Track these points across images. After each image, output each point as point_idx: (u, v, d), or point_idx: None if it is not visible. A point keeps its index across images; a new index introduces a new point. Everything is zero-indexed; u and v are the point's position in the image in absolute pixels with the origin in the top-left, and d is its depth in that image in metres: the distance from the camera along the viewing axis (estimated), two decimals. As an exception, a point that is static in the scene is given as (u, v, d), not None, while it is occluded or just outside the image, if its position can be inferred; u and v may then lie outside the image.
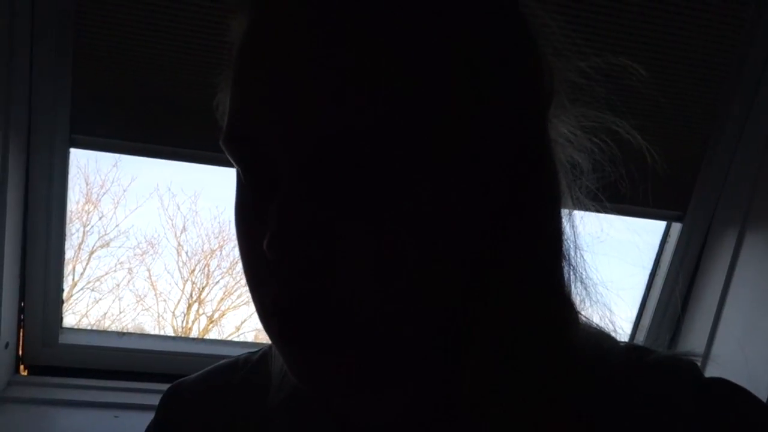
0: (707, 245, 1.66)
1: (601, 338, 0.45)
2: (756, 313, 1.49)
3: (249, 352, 0.57)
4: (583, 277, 0.43)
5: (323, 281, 0.36)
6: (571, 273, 0.43)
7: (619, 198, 0.50)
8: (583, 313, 0.44)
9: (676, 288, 1.70)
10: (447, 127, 0.36)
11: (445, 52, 0.36)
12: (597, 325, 0.45)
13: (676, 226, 1.67)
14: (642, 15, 1.37)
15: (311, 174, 0.35)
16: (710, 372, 0.45)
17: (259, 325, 0.42)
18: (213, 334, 4.75)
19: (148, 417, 0.56)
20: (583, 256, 0.44)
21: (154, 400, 0.56)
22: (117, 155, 4.33)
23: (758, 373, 1.36)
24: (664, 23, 1.38)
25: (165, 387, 0.57)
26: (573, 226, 0.43)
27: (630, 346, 0.46)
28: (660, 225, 1.71)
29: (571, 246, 0.43)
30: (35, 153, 1.36)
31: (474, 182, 0.38)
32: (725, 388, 0.43)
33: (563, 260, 0.42)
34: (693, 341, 1.64)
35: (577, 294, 0.43)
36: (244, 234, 0.40)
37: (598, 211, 0.47)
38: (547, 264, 0.41)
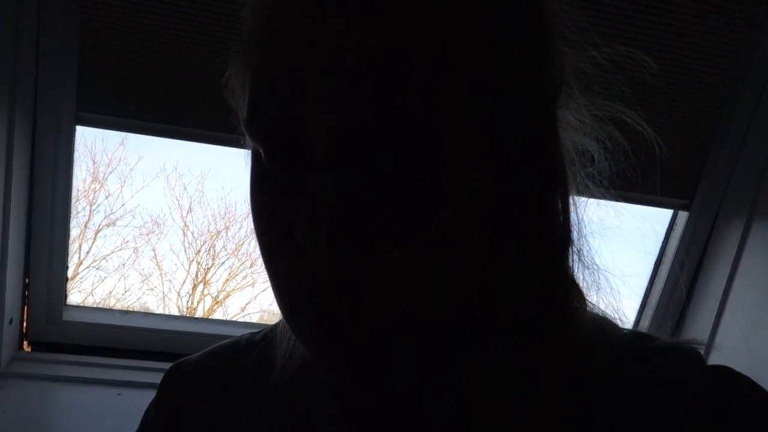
0: (713, 235, 1.65)
1: (605, 325, 0.45)
2: (761, 304, 1.49)
3: (251, 333, 0.57)
4: (589, 263, 0.43)
5: (361, 272, 0.36)
6: (577, 260, 0.43)
7: (626, 186, 0.49)
8: (588, 299, 0.44)
9: (681, 277, 1.69)
10: (470, 117, 0.36)
11: (470, 39, 0.36)
12: (602, 311, 0.45)
13: (683, 215, 1.67)
14: (651, 4, 1.35)
15: (346, 162, 0.35)
16: (713, 361, 0.44)
17: (264, 306, 0.41)
18: (218, 315, 4.77)
19: (151, 395, 0.56)
20: (588, 243, 0.44)
21: (157, 378, 0.56)
22: (124, 134, 4.37)
23: (762, 364, 1.36)
24: (674, 11, 1.37)
25: (168, 366, 0.57)
26: (578, 214, 0.43)
27: (633, 333, 0.46)
28: (666, 213, 1.71)
29: (576, 233, 0.43)
30: (41, 130, 1.36)
31: (489, 171, 0.38)
32: (727, 375, 0.43)
33: (570, 248, 0.42)
34: (697, 330, 1.64)
35: (584, 281, 0.43)
36: (266, 219, 0.40)
37: (605, 198, 0.47)
38: (555, 253, 0.42)
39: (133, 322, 1.58)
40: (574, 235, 0.43)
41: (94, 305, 4.15)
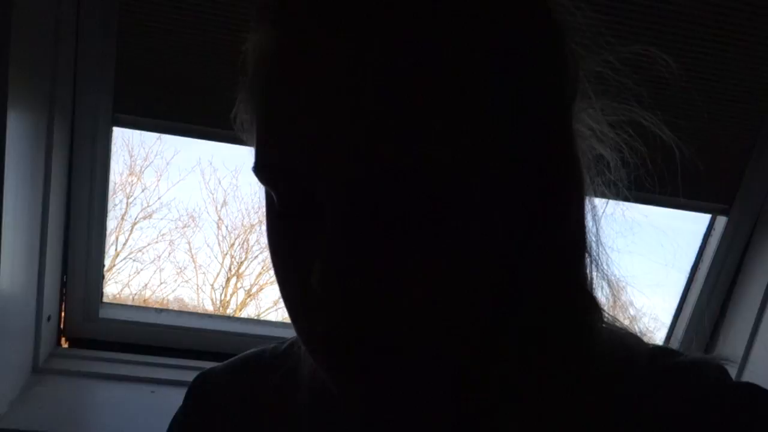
0: (752, 241, 1.61)
1: (627, 339, 0.44)
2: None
3: (276, 344, 0.57)
4: (609, 274, 0.43)
5: (376, 316, 0.36)
6: (596, 271, 0.42)
7: (660, 190, 0.48)
8: (609, 312, 0.44)
9: (717, 284, 1.65)
10: (486, 143, 0.36)
11: (481, 71, 0.35)
12: (623, 324, 0.44)
13: (722, 220, 1.63)
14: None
15: (358, 210, 0.35)
16: (747, 378, 0.43)
17: None
18: (251, 308, 4.80)
19: (183, 393, 0.57)
20: (607, 253, 0.43)
21: (191, 376, 0.57)
22: (160, 130, 4.43)
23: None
24: (719, 12, 1.34)
25: (201, 364, 0.58)
26: (597, 223, 0.43)
27: (656, 348, 0.45)
28: (705, 218, 1.67)
29: (595, 243, 0.43)
30: (79, 131, 1.39)
31: (506, 194, 0.38)
32: (753, 391, 0.41)
33: (588, 259, 0.42)
34: (731, 343, 1.60)
35: (602, 292, 0.43)
36: (282, 262, 0.40)
37: (629, 201, 0.46)
38: (572, 267, 0.41)
39: (168, 320, 1.61)
40: (592, 245, 0.42)
41: (130, 296, 4.21)
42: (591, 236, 0.42)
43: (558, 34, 0.39)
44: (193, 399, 0.56)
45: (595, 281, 0.43)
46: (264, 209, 0.41)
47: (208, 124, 1.40)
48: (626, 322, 0.44)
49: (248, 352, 0.57)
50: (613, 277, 0.43)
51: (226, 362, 0.57)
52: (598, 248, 0.43)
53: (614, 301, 0.43)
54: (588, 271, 0.42)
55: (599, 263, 0.43)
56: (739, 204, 1.58)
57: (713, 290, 1.67)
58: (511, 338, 0.40)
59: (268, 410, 0.52)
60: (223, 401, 0.54)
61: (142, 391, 1.42)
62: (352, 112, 0.33)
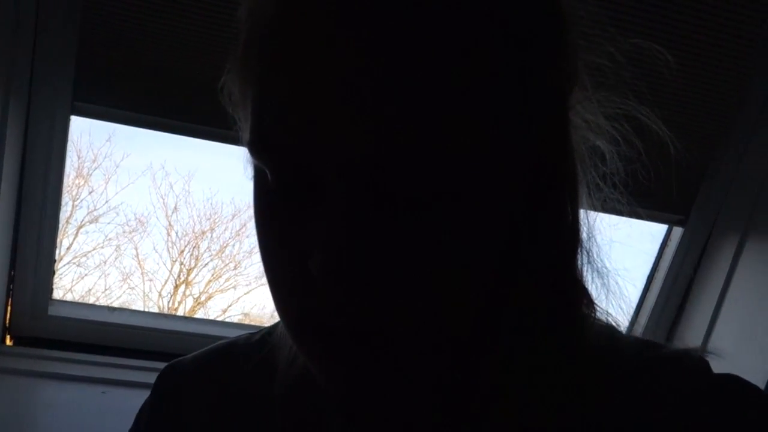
0: (706, 252, 1.65)
1: (613, 331, 0.45)
2: (750, 324, 1.49)
3: (248, 333, 0.55)
4: (599, 266, 0.43)
5: (376, 302, 0.35)
6: (587, 262, 0.42)
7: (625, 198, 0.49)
8: (598, 304, 0.44)
9: (672, 294, 1.69)
10: (485, 129, 0.35)
11: (485, 54, 0.34)
12: (609, 316, 0.45)
13: (678, 231, 1.66)
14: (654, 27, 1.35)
15: (362, 192, 0.34)
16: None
17: (246, 309, 0.40)
18: (198, 317, 4.75)
19: (136, 394, 0.55)
20: (598, 244, 0.43)
21: (145, 377, 0.55)
22: (110, 130, 4.33)
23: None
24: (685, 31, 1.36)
25: (155, 364, 0.56)
26: (588, 214, 0.43)
27: (640, 340, 0.46)
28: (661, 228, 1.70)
29: (586, 234, 0.42)
30: (35, 118, 1.33)
31: (502, 181, 0.37)
32: (735, 383, 0.42)
33: (580, 253, 0.42)
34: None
35: (593, 284, 0.43)
36: (274, 244, 0.38)
37: (604, 209, 0.46)
38: (566, 257, 0.41)
39: (120, 318, 1.56)
40: (584, 236, 0.42)
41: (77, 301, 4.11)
42: (583, 227, 0.42)
43: (563, 22, 0.39)
44: (162, 389, 0.54)
45: (586, 273, 0.43)
46: (252, 190, 0.39)
47: (174, 117, 1.36)
48: (614, 314, 0.45)
49: (220, 342, 0.55)
50: (603, 269, 0.43)
51: (195, 353, 0.55)
52: (590, 240, 0.43)
53: (603, 293, 0.43)
54: (579, 263, 0.42)
55: (591, 255, 0.43)
56: (696, 216, 1.62)
57: (668, 300, 1.70)
58: (505, 329, 0.40)
59: (242, 401, 0.50)
60: (193, 393, 0.52)
61: (92, 392, 1.37)
62: (365, 90, 0.32)
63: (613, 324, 0.45)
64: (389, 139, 0.32)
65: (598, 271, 0.43)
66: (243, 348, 0.53)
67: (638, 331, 1.74)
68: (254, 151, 0.37)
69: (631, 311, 1.76)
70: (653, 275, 1.74)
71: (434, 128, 0.33)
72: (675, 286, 1.69)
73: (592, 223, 0.43)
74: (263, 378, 0.49)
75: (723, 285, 1.58)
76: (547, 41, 0.38)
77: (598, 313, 0.44)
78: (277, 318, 0.44)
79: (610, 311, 0.44)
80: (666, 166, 0.49)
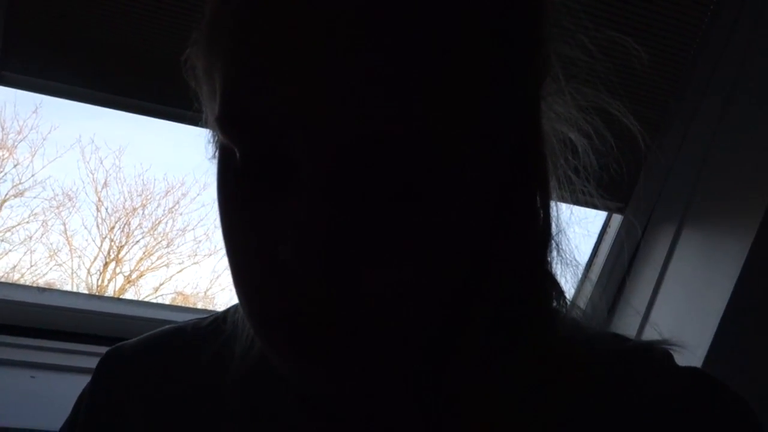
0: (644, 240, 1.70)
1: (578, 322, 0.45)
2: (685, 312, 1.53)
3: (196, 319, 0.53)
4: (568, 258, 0.43)
5: (349, 292, 0.33)
6: (556, 255, 0.42)
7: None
8: (567, 296, 0.44)
9: (609, 281, 1.73)
10: (466, 119, 0.34)
11: (468, 44, 0.33)
12: (581, 309, 0.45)
13: (617, 218, 1.70)
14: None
15: (341, 177, 0.32)
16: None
17: (179, 288, 0.38)
18: (129, 294, 4.63)
19: (68, 379, 0.52)
20: (567, 236, 0.43)
21: (76, 361, 0.52)
22: (37, 101, 4.17)
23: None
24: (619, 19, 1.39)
25: (87, 348, 0.53)
26: (557, 206, 0.43)
27: (608, 333, 0.46)
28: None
29: (555, 226, 0.42)
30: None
31: (480, 174, 0.36)
32: (697, 375, 0.44)
33: (550, 242, 0.42)
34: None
35: (562, 276, 0.43)
36: (240, 229, 0.36)
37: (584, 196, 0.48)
38: (537, 249, 0.41)
39: (50, 299, 1.50)
40: (554, 228, 0.42)
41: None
42: (553, 218, 0.42)
43: (540, 11, 0.38)
44: (104, 375, 0.52)
45: (555, 264, 0.42)
46: (217, 171, 0.37)
47: (106, 90, 1.30)
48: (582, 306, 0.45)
49: (165, 328, 0.53)
50: (572, 261, 0.43)
51: (139, 338, 0.53)
52: (558, 231, 0.42)
53: (572, 285, 0.43)
54: (549, 254, 0.42)
55: (560, 247, 0.42)
56: (634, 204, 1.66)
57: (605, 287, 1.74)
58: (476, 321, 0.39)
59: (191, 390, 0.48)
60: (137, 380, 0.50)
61: (21, 377, 1.32)
62: (347, 66, 0.30)
63: (580, 315, 0.45)
64: (372, 119, 0.31)
65: (567, 263, 0.43)
66: (192, 336, 0.51)
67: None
68: (223, 127, 0.34)
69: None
70: (591, 262, 1.78)
71: (416, 113, 0.31)
72: (612, 273, 1.73)
73: (559, 214, 0.43)
74: (215, 367, 0.48)
75: (660, 272, 1.62)
76: (526, 26, 0.37)
77: (568, 305, 0.44)
78: (228, 303, 0.42)
79: (578, 303, 0.44)
80: (608, 154, 0.49)
